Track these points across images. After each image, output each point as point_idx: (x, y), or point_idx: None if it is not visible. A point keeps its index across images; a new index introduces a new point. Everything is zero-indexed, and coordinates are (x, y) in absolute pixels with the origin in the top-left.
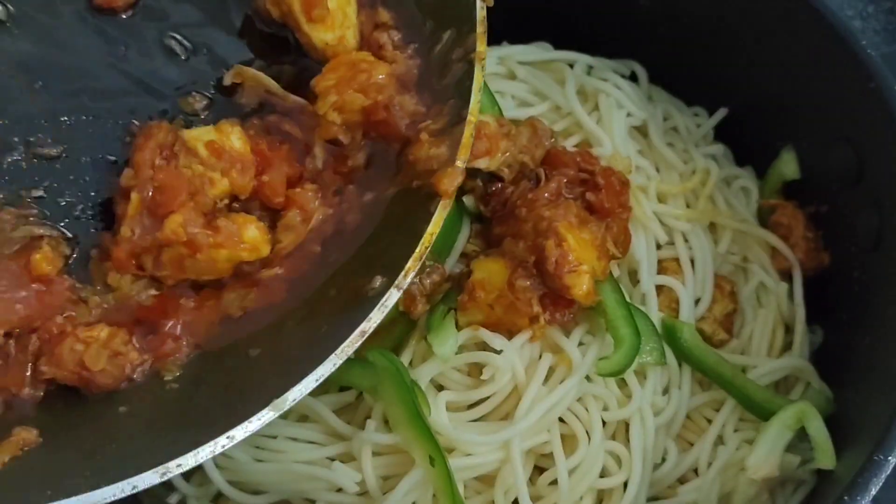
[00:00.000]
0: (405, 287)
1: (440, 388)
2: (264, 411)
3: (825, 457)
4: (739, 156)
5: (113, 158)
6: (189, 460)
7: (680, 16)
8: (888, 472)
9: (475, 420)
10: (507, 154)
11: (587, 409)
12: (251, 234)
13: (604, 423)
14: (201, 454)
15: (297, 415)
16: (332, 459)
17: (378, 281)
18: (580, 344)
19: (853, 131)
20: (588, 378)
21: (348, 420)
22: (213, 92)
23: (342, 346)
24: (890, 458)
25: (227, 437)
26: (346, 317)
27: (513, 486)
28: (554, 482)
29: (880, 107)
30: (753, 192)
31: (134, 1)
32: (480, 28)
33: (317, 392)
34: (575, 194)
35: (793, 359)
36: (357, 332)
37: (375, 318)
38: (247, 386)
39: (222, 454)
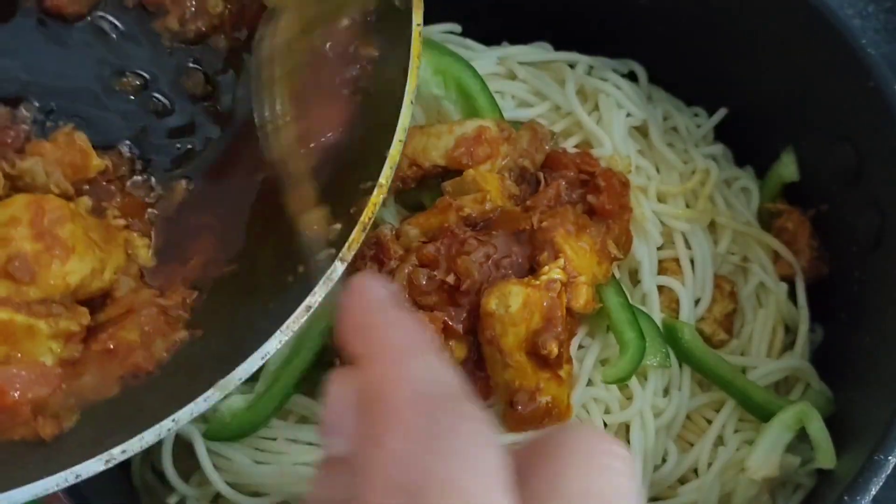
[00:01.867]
0: (349, 260)
1: None
2: (210, 391)
3: (825, 457)
4: (739, 156)
5: None
6: (134, 445)
7: (680, 16)
8: (888, 472)
9: None
10: (508, 158)
11: (588, 412)
12: None
13: (605, 425)
14: (147, 438)
15: (298, 416)
16: None
17: (324, 254)
18: (580, 347)
19: (853, 131)
20: (590, 381)
21: None
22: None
23: (287, 322)
24: (890, 457)
25: (173, 420)
26: (291, 293)
27: None
28: None
29: (880, 106)
30: (754, 192)
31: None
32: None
33: (316, 393)
34: (575, 197)
35: (793, 360)
36: (302, 307)
37: (320, 292)
38: (193, 367)
39: (221, 456)
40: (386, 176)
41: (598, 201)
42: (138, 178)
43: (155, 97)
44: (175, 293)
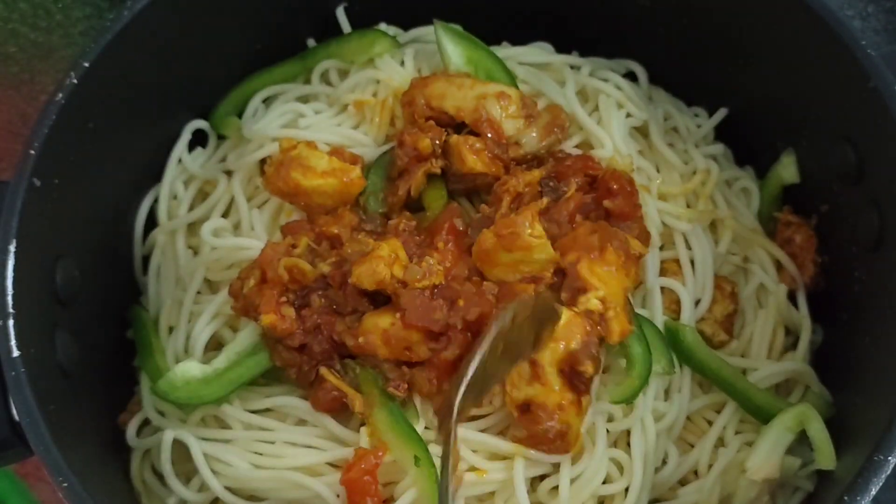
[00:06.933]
0: None
1: None
2: None
3: (825, 458)
4: (739, 156)
5: None
6: None
7: (680, 16)
8: (888, 473)
9: (480, 431)
10: (516, 131)
11: (593, 422)
12: None
13: (607, 431)
14: None
15: (296, 419)
16: (332, 464)
17: None
18: None
19: (853, 131)
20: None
21: (346, 423)
22: None
23: None
24: (890, 458)
25: None
26: None
27: (512, 496)
28: (555, 489)
29: (880, 106)
30: (754, 192)
31: None
32: None
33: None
34: (589, 202)
35: (793, 363)
36: None
37: None
38: None
39: (220, 461)
40: None
41: (615, 205)
42: None
43: None
44: None
